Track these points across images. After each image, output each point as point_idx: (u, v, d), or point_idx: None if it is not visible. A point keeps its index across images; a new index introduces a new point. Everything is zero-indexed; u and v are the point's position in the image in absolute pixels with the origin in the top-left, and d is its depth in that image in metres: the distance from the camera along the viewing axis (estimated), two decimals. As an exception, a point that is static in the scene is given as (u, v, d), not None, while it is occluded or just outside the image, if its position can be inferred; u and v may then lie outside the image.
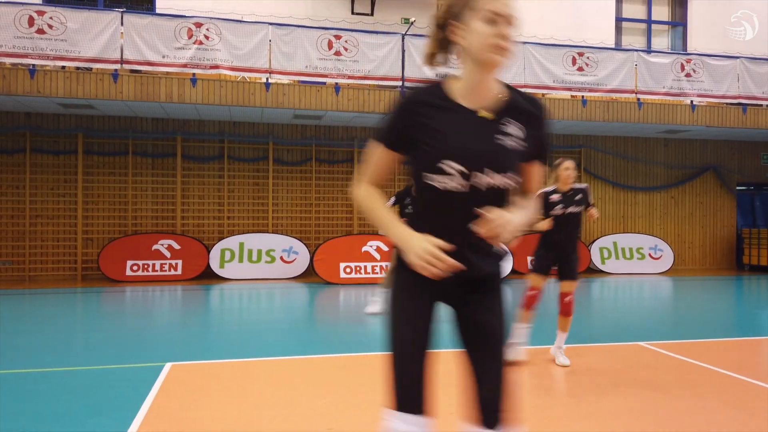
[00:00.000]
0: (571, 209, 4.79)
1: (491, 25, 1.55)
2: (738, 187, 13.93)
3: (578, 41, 12.08)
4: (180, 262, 10.64)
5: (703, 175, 13.59)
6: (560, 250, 4.82)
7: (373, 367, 4.52)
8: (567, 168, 4.80)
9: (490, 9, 1.55)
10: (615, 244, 12.62)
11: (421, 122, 1.61)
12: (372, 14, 12.11)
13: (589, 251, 12.40)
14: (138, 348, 5.32)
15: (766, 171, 13.98)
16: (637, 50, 12.01)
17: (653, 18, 14.05)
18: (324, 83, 10.37)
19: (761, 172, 14.01)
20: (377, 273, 10.48)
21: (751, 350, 5.56)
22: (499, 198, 1.63)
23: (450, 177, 1.59)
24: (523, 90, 1.74)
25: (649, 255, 12.68)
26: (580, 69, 11.31)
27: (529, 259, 4.65)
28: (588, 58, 11.32)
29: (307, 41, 10.27)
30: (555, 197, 4.85)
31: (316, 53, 10.26)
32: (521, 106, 1.66)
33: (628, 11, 13.87)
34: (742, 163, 13.69)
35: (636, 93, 11.40)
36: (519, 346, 4.78)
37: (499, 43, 1.55)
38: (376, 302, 7.17)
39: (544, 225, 4.80)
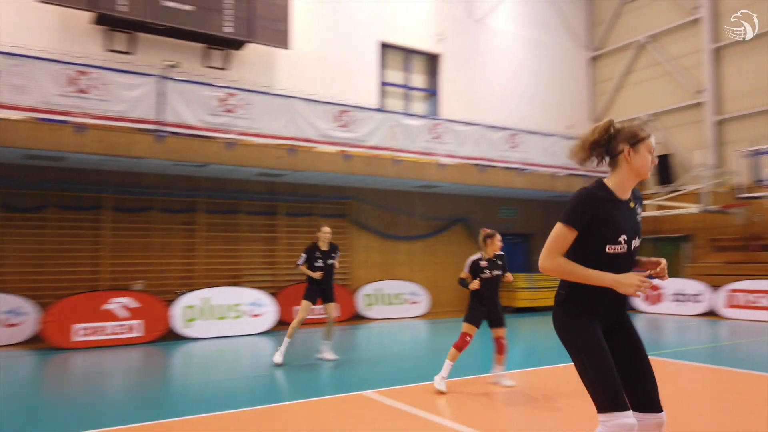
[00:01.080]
0: (496, 272, 6.04)
1: (650, 154, 2.59)
2: (483, 237, 15.81)
3: (344, 100, 12.73)
4: None
5: (454, 226, 15.18)
6: (492, 305, 6.01)
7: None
8: (500, 240, 6.13)
9: (652, 145, 2.60)
10: (379, 290, 13.29)
11: (602, 213, 2.50)
12: (131, 53, 11.37)
13: (355, 298, 12.85)
14: None
15: (504, 222, 16.13)
16: (392, 112, 13.16)
17: (411, 85, 15.63)
18: (66, 122, 9.29)
19: (501, 224, 16.15)
20: (120, 333, 9.37)
21: (458, 390, 6.08)
22: (635, 255, 2.62)
23: (620, 245, 2.52)
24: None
25: (409, 300, 13.61)
26: (343, 126, 11.95)
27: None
28: (350, 116, 12.02)
29: (45, 74, 9.18)
30: (483, 263, 6.04)
31: (55, 88, 9.19)
32: (637, 194, 2.66)
33: (390, 77, 15.22)
34: (485, 215, 15.62)
35: (393, 150, 12.38)
36: (442, 378, 5.70)
37: (652, 166, 2.61)
38: (326, 348, 7.74)
39: (475, 285, 5.91)
